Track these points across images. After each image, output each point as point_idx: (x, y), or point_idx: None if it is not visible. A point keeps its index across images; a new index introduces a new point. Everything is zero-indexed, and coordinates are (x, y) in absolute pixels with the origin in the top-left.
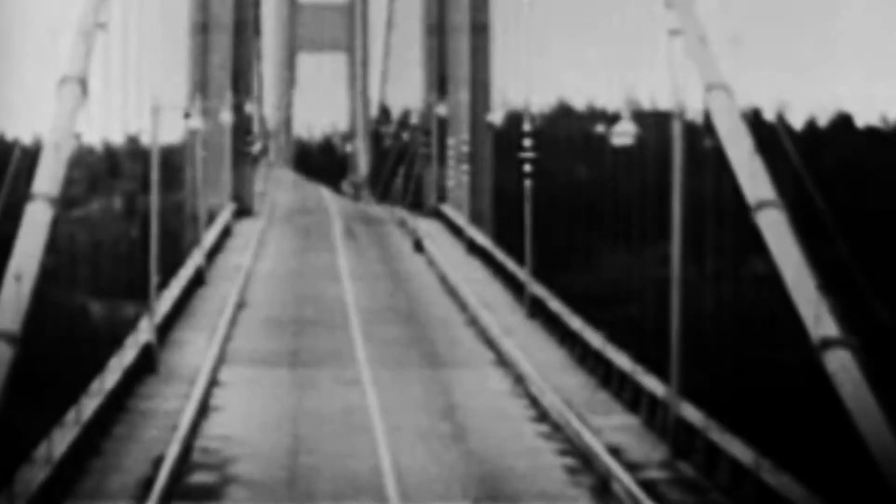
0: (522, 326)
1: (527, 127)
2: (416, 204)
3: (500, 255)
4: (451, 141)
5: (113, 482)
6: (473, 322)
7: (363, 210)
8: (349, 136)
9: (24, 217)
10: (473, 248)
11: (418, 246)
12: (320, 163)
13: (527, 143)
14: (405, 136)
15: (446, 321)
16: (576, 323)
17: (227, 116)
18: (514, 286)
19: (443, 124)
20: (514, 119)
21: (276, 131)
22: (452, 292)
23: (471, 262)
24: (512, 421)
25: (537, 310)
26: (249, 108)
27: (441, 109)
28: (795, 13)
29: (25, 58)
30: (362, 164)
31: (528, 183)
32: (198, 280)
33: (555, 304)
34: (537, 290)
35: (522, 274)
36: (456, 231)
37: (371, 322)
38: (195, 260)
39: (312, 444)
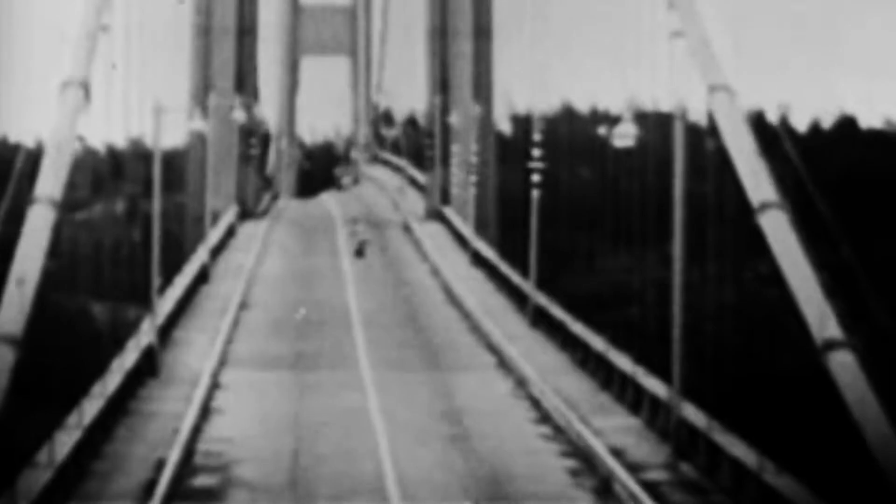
0: (525, 335)
1: (536, 136)
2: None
3: (504, 267)
4: (455, 147)
5: (115, 485)
6: (476, 329)
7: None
8: (352, 141)
9: (26, 220)
10: (478, 259)
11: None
12: (322, 165)
13: (535, 152)
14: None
15: (448, 328)
16: (578, 328)
17: (239, 114)
18: (518, 295)
19: (446, 126)
20: (519, 123)
21: (279, 134)
22: (456, 300)
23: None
24: (514, 423)
25: (540, 319)
26: (252, 111)
27: (453, 119)
28: (800, 15)
29: (29, 60)
30: (362, 163)
31: (535, 193)
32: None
33: (557, 312)
34: (541, 299)
35: (527, 285)
36: (459, 234)
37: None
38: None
39: (314, 449)
